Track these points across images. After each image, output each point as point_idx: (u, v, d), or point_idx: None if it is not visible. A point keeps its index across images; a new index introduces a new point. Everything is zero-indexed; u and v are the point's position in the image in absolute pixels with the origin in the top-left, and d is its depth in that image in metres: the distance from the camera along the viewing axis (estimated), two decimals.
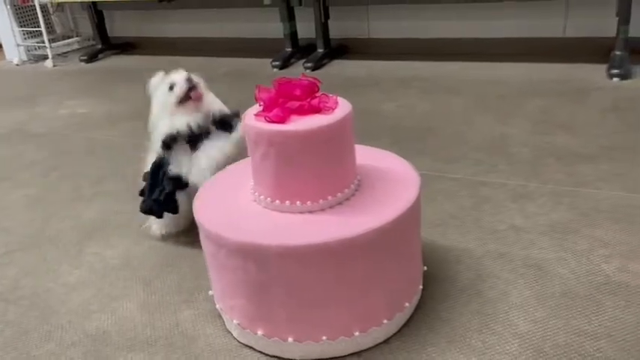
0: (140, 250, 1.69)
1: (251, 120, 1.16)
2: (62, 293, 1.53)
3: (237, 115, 1.58)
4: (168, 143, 1.55)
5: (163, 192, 1.60)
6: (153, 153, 1.65)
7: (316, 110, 1.16)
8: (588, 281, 1.35)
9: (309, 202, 1.17)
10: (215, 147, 1.55)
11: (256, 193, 1.22)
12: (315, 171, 1.15)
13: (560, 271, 1.40)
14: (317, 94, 1.19)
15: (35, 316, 1.45)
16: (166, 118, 1.57)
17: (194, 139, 1.55)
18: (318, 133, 1.12)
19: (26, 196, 2.14)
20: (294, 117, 1.15)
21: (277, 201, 1.18)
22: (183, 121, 1.55)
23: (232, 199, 1.28)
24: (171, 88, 1.56)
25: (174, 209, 1.62)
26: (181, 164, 1.58)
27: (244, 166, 1.35)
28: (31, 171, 2.39)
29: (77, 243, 1.78)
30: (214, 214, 1.21)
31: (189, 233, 1.69)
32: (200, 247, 1.30)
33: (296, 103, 1.15)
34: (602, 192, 1.72)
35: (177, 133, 1.54)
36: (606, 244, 1.48)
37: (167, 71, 1.61)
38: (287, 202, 1.17)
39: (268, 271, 1.10)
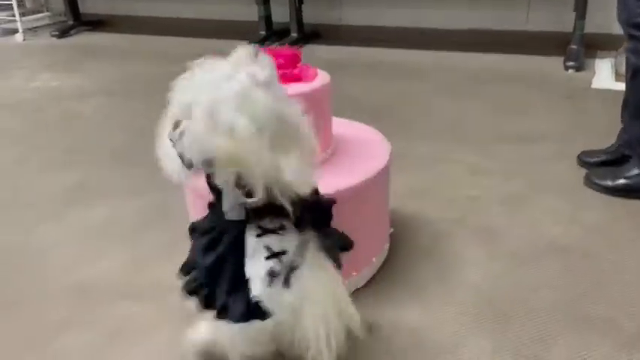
0: (120, 212, 1.77)
1: None
2: (45, 250, 1.60)
3: None
4: None
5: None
6: None
7: (297, 79, 1.26)
8: (534, 243, 1.51)
9: None
10: None
11: None
12: None
13: (510, 234, 1.55)
14: (299, 65, 1.29)
15: (18, 269, 1.52)
16: None
17: None
18: (299, 99, 1.22)
19: (1, 162, 2.18)
20: None
21: None
22: None
23: None
24: None
25: None
26: None
27: None
28: (3, 139, 2.42)
29: (56, 206, 1.84)
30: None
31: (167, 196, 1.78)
32: (183, 207, 1.39)
33: (279, 72, 1.24)
34: (552, 168, 1.89)
35: None
36: (552, 212, 1.64)
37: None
38: None
39: None
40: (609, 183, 1.70)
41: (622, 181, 1.70)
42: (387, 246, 1.46)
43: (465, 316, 1.27)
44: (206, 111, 0.84)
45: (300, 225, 0.96)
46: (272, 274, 0.93)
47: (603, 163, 1.83)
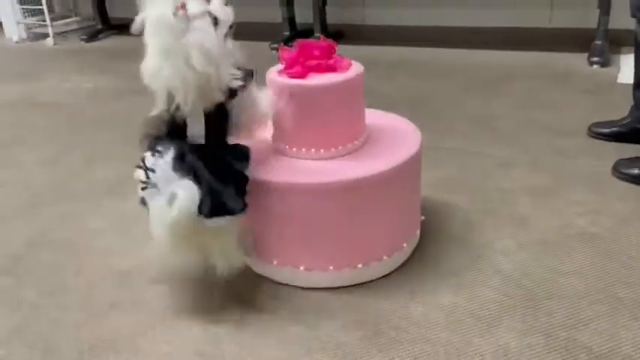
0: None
1: (274, 76, 1.31)
2: (88, 238, 1.67)
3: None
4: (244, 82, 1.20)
5: (239, 159, 1.23)
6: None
7: (332, 69, 1.31)
8: (564, 232, 1.53)
9: (322, 150, 1.33)
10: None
11: (276, 142, 1.38)
12: (330, 122, 1.31)
13: (539, 224, 1.58)
14: (333, 56, 1.34)
15: (66, 256, 1.59)
16: (222, 65, 1.15)
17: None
18: (334, 88, 1.28)
19: (41, 159, 2.26)
20: (312, 74, 1.30)
21: (295, 148, 1.33)
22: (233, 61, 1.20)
23: (253, 147, 1.42)
24: (215, 22, 1.15)
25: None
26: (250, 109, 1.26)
27: None
28: (42, 136, 2.50)
29: (96, 198, 1.91)
30: None
31: None
32: None
33: (314, 62, 1.30)
34: (579, 161, 1.91)
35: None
36: (580, 203, 1.66)
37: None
38: (303, 150, 1.33)
39: (283, 205, 1.27)
40: (636, 171, 1.74)
41: None
42: (418, 233, 1.49)
43: (496, 299, 1.30)
44: None
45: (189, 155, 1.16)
46: (140, 182, 1.18)
47: (617, 135, 1.97)
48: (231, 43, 1.19)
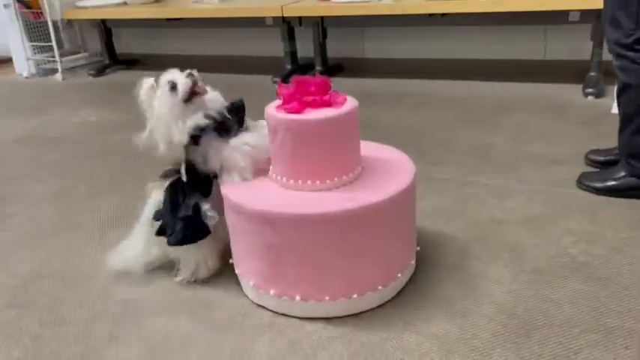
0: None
1: (272, 111, 1.37)
2: (90, 270, 1.71)
3: (243, 109, 1.53)
4: (196, 136, 1.43)
5: (190, 206, 1.48)
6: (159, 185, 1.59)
7: (328, 104, 1.37)
8: (556, 261, 1.56)
9: (318, 182, 1.37)
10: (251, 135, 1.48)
11: (274, 174, 1.43)
12: (325, 155, 1.36)
13: (532, 253, 1.60)
14: (329, 92, 1.40)
15: (68, 288, 1.62)
16: (174, 123, 1.44)
17: (222, 127, 1.46)
18: (329, 123, 1.33)
19: (47, 191, 2.32)
20: (308, 109, 1.36)
21: (292, 180, 1.38)
22: (194, 119, 1.44)
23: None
24: (173, 88, 1.44)
25: (205, 230, 1.50)
26: (213, 158, 1.46)
27: None
28: (48, 170, 2.56)
29: (99, 230, 1.96)
30: (237, 188, 1.41)
31: None
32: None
33: (310, 98, 1.36)
34: (573, 191, 1.94)
35: (207, 120, 1.44)
36: (574, 232, 1.69)
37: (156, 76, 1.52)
38: (300, 182, 1.37)
39: (281, 235, 1.30)
40: (597, 185, 1.87)
41: (610, 182, 1.85)
42: (413, 263, 1.52)
43: (490, 329, 1.32)
44: None
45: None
46: None
47: (612, 163, 1.97)
48: (197, 102, 1.48)
